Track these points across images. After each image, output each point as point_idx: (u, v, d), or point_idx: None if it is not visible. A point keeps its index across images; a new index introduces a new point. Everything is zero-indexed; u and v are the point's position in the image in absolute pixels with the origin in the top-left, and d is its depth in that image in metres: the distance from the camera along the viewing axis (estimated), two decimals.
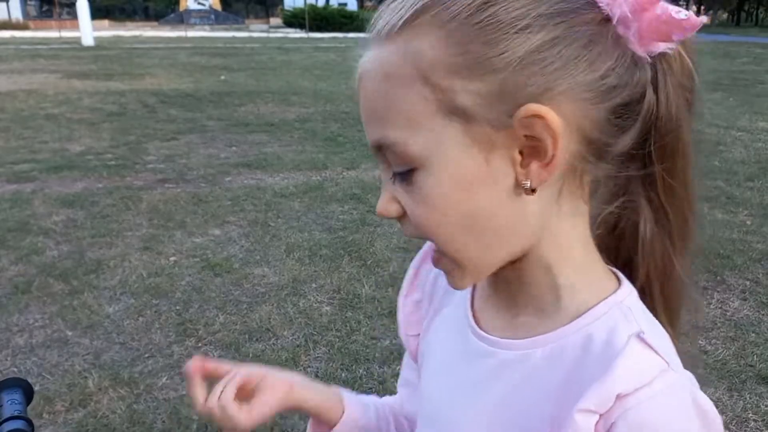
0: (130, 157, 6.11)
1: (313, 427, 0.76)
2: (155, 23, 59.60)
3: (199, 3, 58.48)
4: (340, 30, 36.62)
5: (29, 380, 0.73)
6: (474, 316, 0.61)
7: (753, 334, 2.92)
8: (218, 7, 61.60)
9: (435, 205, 0.50)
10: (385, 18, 0.50)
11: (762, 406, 2.41)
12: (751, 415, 2.36)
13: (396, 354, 2.68)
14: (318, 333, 2.91)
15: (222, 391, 0.66)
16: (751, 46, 23.25)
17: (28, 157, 6.07)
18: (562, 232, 0.53)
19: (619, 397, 0.46)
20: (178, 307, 3.16)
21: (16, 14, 55.60)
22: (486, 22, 0.46)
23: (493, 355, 0.57)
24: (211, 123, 7.90)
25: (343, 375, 2.58)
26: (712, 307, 3.16)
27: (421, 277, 0.71)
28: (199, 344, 2.83)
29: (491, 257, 0.53)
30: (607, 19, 0.48)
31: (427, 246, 0.70)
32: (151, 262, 3.68)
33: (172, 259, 3.75)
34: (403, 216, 0.53)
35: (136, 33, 36.45)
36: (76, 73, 13.08)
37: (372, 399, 0.79)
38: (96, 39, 24.02)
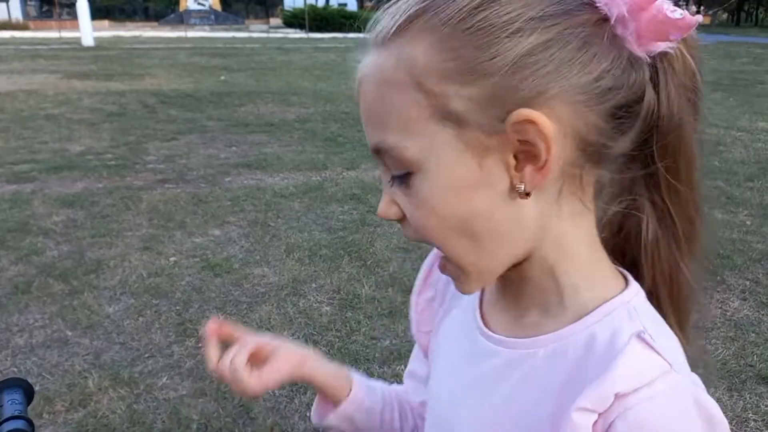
0: (130, 158, 6.11)
1: (319, 402, 0.77)
2: (155, 23, 59.61)
3: (199, 3, 58.49)
4: (339, 30, 36.57)
5: (29, 380, 0.73)
6: (482, 316, 0.61)
7: (753, 334, 2.92)
8: (218, 7, 61.61)
9: (432, 208, 0.51)
10: (382, 23, 0.51)
11: (762, 406, 2.41)
12: (751, 415, 2.36)
13: (396, 354, 2.68)
14: (318, 333, 2.91)
15: (235, 355, 0.67)
16: (751, 46, 23.26)
17: (28, 157, 6.07)
18: (565, 234, 0.52)
19: (618, 396, 0.46)
20: (178, 307, 3.16)
21: (16, 14, 55.60)
22: (477, 26, 0.46)
23: (498, 354, 0.57)
24: (211, 123, 7.90)
25: None
26: (712, 307, 3.16)
27: (434, 276, 0.72)
28: (199, 344, 2.83)
29: (493, 261, 0.53)
30: (603, 20, 0.47)
31: None
32: (151, 263, 3.68)
33: (172, 259, 3.75)
34: (403, 218, 0.54)
35: (136, 33, 36.45)
36: (76, 74, 13.08)
37: (380, 384, 0.80)
38: (96, 39, 24.02)
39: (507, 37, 0.46)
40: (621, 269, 0.56)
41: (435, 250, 0.72)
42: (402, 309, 3.12)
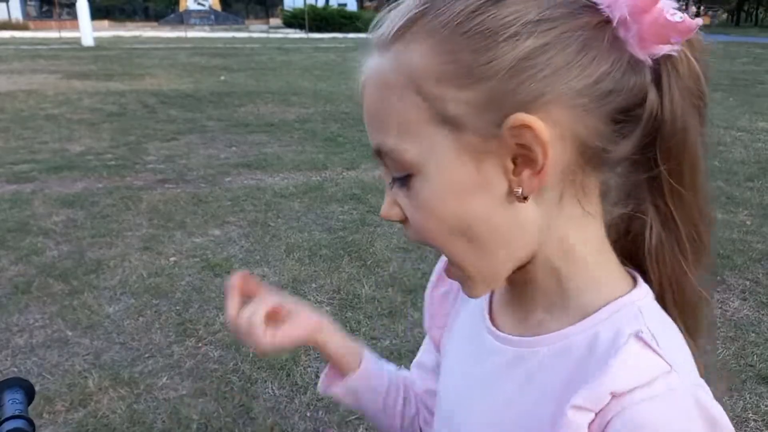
0: (130, 158, 6.11)
1: (328, 372, 0.78)
2: (155, 23, 59.60)
3: (198, 3, 58.47)
4: (339, 30, 36.64)
5: (30, 380, 0.73)
6: (491, 316, 0.61)
7: (753, 334, 2.92)
8: (218, 7, 61.58)
9: (431, 211, 0.51)
10: (384, 25, 0.51)
11: (762, 406, 2.41)
12: (751, 415, 2.36)
13: (396, 354, 2.68)
14: None
15: (254, 311, 0.68)
16: (751, 46, 23.26)
17: (28, 157, 6.07)
18: (568, 236, 0.52)
19: (614, 395, 0.46)
20: (178, 307, 3.16)
21: (16, 14, 55.59)
22: (475, 30, 0.46)
23: (503, 352, 0.57)
24: (211, 123, 7.90)
25: None
26: (712, 307, 3.16)
27: None
28: (199, 344, 2.83)
29: (495, 264, 0.53)
30: (604, 23, 0.47)
31: None
32: (151, 262, 3.68)
33: (172, 259, 3.75)
34: (405, 220, 0.54)
35: (136, 33, 36.45)
36: (76, 74, 13.08)
37: (390, 367, 0.81)
38: (96, 39, 24.02)
39: (504, 41, 0.46)
40: (631, 271, 0.55)
41: None
42: (402, 309, 3.12)
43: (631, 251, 0.56)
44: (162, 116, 8.32)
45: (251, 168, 5.80)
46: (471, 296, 0.57)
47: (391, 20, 0.51)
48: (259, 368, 2.65)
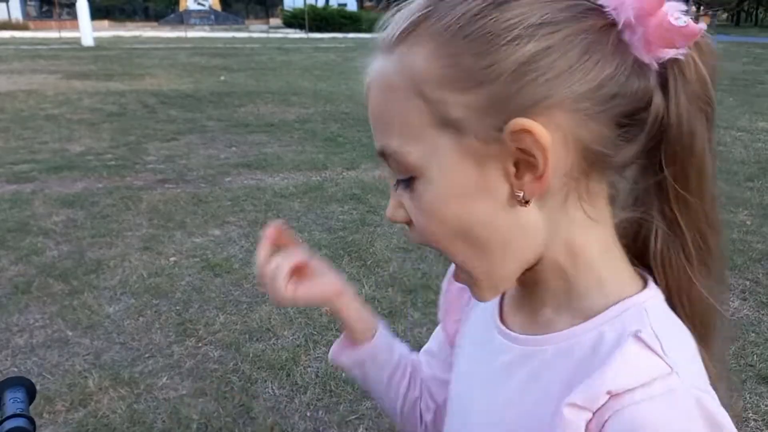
0: (130, 158, 6.11)
1: (342, 341, 0.79)
2: (155, 23, 59.60)
3: (198, 3, 58.48)
4: (339, 30, 36.64)
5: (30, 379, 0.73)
6: (501, 314, 0.61)
7: (753, 334, 2.92)
8: (218, 7, 61.59)
9: (433, 213, 0.51)
10: (390, 27, 0.51)
11: (762, 406, 2.41)
12: (751, 415, 2.36)
13: None
14: (318, 333, 2.91)
15: (281, 262, 0.69)
16: (751, 46, 23.26)
17: (28, 157, 6.07)
18: (574, 238, 0.52)
19: (611, 394, 0.45)
20: (178, 307, 3.16)
21: (16, 14, 55.60)
22: (476, 33, 0.46)
23: (510, 350, 0.57)
24: (211, 123, 7.90)
25: (343, 375, 2.58)
26: None
27: None
28: (200, 344, 2.83)
29: (500, 268, 0.53)
30: (609, 26, 0.47)
31: None
32: (151, 262, 3.68)
33: (172, 259, 3.75)
34: (410, 222, 0.54)
35: (136, 33, 36.46)
36: (76, 74, 13.09)
37: (401, 347, 0.82)
38: (96, 39, 24.02)
39: (505, 44, 0.46)
40: (644, 273, 0.55)
41: None
42: (402, 309, 3.12)
43: (642, 255, 0.56)
44: (162, 116, 8.32)
45: (251, 168, 5.80)
46: (479, 300, 0.57)
47: (396, 22, 0.51)
48: (259, 368, 2.65)
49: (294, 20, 41.77)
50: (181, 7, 59.37)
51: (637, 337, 0.47)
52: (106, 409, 2.38)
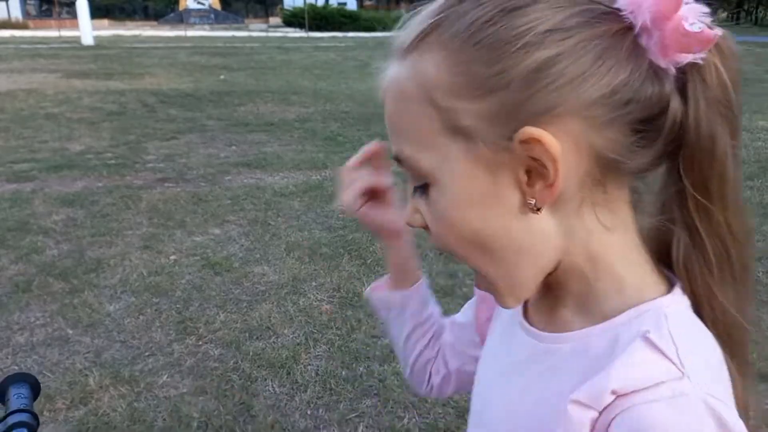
0: (130, 157, 6.11)
1: (387, 282, 0.82)
2: (155, 22, 59.58)
3: (198, 2, 58.41)
4: (339, 29, 36.62)
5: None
6: (526, 310, 0.61)
7: (753, 333, 2.92)
8: (218, 6, 61.52)
9: (447, 220, 0.52)
10: (405, 32, 0.51)
11: (762, 406, 2.41)
12: (751, 413, 2.36)
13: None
14: (318, 331, 2.91)
15: (364, 177, 0.72)
16: (751, 45, 23.25)
17: (28, 156, 6.07)
18: (592, 243, 0.51)
19: (617, 394, 0.45)
20: (178, 306, 3.17)
21: (16, 14, 55.55)
22: (487, 41, 0.46)
23: (530, 346, 0.57)
24: (210, 122, 7.90)
25: (343, 373, 2.58)
26: None
27: None
28: (200, 342, 2.84)
29: (519, 275, 0.53)
30: (624, 30, 0.46)
31: None
32: (152, 261, 3.69)
33: (172, 257, 3.75)
34: (427, 227, 0.54)
35: (136, 32, 36.44)
36: (75, 73, 13.08)
37: (435, 307, 0.84)
38: (96, 38, 24.00)
39: (515, 51, 0.45)
40: (674, 279, 0.53)
41: None
42: None
43: (668, 262, 0.54)
44: (162, 115, 8.32)
45: (251, 167, 5.80)
46: (503, 306, 0.56)
47: (410, 28, 0.51)
48: (259, 366, 2.66)
49: (294, 19, 41.73)
50: (181, 6, 59.29)
51: (645, 338, 0.47)
52: (107, 408, 2.39)
